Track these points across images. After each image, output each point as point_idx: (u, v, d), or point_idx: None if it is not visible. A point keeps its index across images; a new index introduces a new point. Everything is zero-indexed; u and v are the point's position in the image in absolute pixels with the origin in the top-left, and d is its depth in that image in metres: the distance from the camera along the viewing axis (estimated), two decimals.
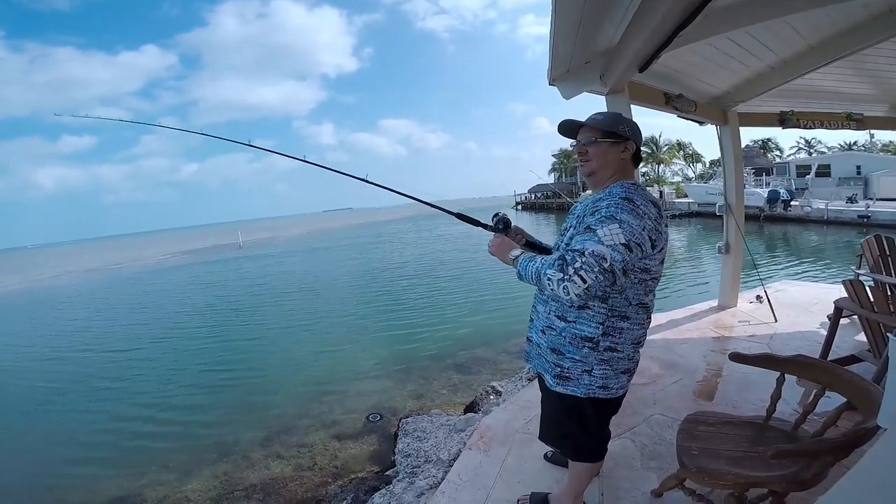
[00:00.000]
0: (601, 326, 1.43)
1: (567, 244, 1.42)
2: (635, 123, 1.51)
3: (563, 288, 1.25)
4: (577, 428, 1.61)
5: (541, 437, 1.82)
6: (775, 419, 1.67)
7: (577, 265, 1.24)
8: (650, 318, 1.54)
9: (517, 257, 1.46)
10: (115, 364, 7.77)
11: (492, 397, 3.98)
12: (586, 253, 1.25)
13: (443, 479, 2.36)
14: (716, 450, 1.54)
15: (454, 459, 2.51)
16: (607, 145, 1.46)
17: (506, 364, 5.66)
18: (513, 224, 1.68)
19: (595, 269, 1.23)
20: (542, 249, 1.72)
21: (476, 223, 1.73)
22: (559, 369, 1.51)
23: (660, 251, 1.40)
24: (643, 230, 1.31)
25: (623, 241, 1.27)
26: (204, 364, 7.28)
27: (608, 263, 1.24)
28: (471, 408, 4.00)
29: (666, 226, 1.43)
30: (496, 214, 1.67)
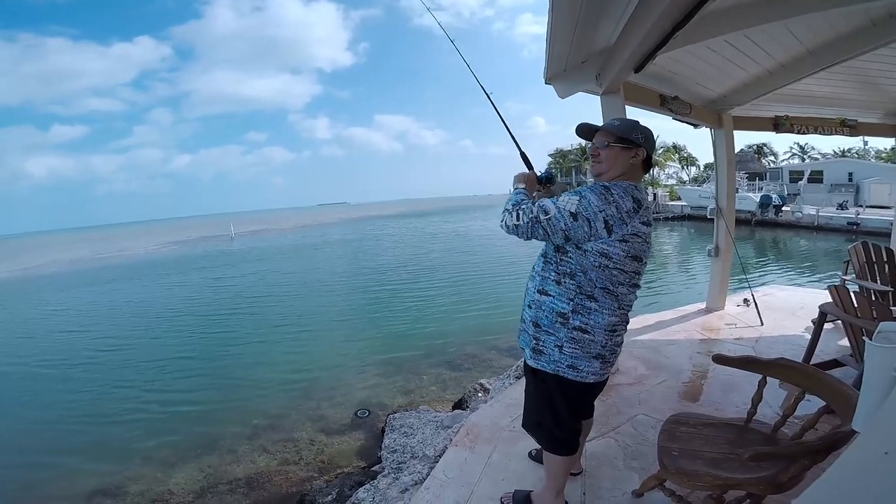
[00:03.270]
0: (571, 303, 1.53)
1: None
2: (650, 132, 1.56)
3: (503, 216, 1.54)
4: (548, 413, 1.67)
5: (522, 424, 1.88)
6: (757, 421, 1.68)
7: (524, 207, 1.50)
8: (622, 309, 1.57)
9: (518, 189, 1.67)
10: (98, 355, 7.67)
11: (480, 395, 3.99)
12: (537, 203, 1.48)
13: (428, 475, 2.37)
14: (696, 451, 1.55)
15: (440, 456, 2.52)
16: (619, 149, 1.53)
17: (495, 362, 5.68)
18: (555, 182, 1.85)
19: (530, 215, 1.47)
20: None
21: (530, 167, 1.85)
22: (535, 342, 1.61)
23: (621, 241, 1.44)
24: (600, 211, 1.41)
25: (573, 210, 1.42)
26: (192, 358, 7.20)
27: (546, 217, 1.44)
28: (459, 405, 4.01)
29: (643, 223, 1.48)
30: (548, 170, 1.84)
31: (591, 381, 1.59)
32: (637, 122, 1.61)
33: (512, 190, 1.69)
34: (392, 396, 4.91)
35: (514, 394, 3.06)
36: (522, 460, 2.31)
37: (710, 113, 4.27)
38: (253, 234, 39.15)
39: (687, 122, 4.07)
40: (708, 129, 4.47)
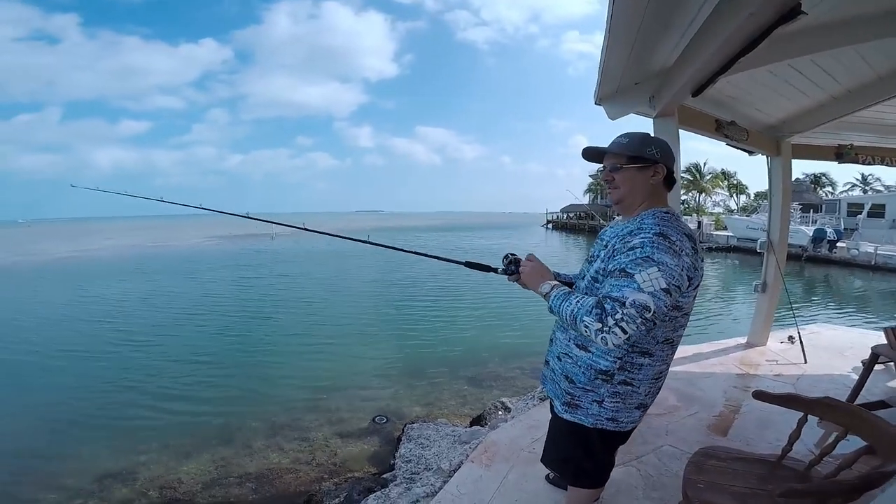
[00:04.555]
0: (619, 361, 1.36)
1: (593, 277, 1.36)
2: (665, 143, 1.39)
3: (602, 338, 1.19)
4: (580, 454, 1.56)
5: (542, 460, 1.76)
6: (790, 458, 1.58)
7: (618, 316, 1.17)
8: (674, 352, 1.45)
9: (549, 292, 1.36)
10: (127, 346, 7.86)
11: (500, 413, 3.92)
12: (627, 303, 1.17)
13: (440, 488, 2.33)
14: (723, 485, 1.46)
15: (455, 470, 2.48)
16: (634, 171, 1.36)
17: (519, 381, 5.58)
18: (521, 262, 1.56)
19: (637, 321, 1.17)
20: (564, 284, 1.55)
21: (486, 269, 1.63)
22: (569, 397, 1.46)
23: (695, 287, 1.32)
24: (682, 270, 1.22)
25: (664, 286, 1.18)
26: (217, 354, 7.37)
27: (651, 313, 1.17)
28: (477, 421, 3.96)
29: (701, 259, 1.34)
30: (506, 256, 1.56)
31: (631, 428, 1.48)
32: (648, 135, 1.40)
33: (545, 296, 1.37)
34: (411, 406, 4.89)
35: (537, 415, 2.98)
36: (539, 482, 2.24)
37: (768, 140, 4.03)
38: (291, 235, 40.26)
39: (742, 149, 3.85)
40: (763, 157, 4.21)
